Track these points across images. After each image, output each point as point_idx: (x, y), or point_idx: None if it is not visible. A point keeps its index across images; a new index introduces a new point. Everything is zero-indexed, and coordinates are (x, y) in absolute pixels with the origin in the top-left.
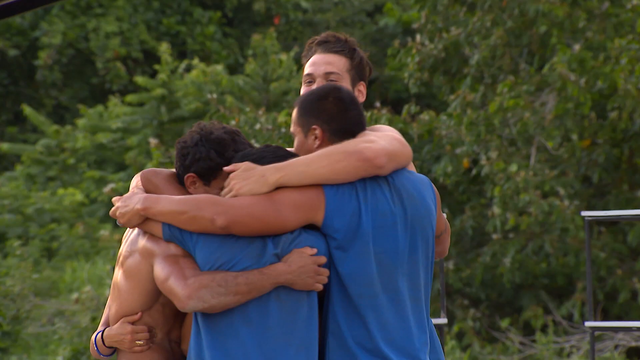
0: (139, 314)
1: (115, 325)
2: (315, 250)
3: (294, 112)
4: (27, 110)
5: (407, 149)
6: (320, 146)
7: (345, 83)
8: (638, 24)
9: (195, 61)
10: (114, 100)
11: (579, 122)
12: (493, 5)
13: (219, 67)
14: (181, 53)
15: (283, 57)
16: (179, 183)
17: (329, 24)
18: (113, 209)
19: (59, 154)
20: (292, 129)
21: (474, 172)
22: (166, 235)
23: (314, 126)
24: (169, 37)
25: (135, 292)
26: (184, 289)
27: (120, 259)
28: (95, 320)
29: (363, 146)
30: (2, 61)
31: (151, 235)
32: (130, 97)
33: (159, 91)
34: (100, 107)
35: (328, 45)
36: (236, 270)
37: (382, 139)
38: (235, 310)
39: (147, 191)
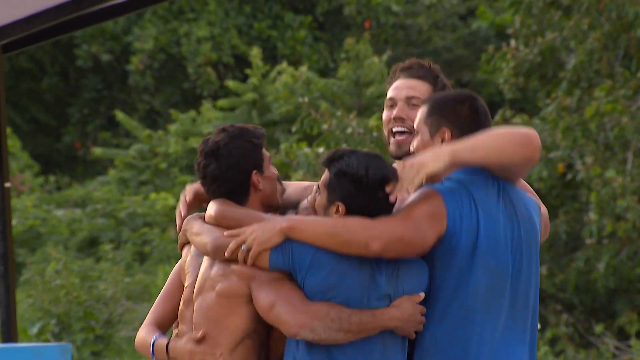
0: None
1: (182, 340)
2: (423, 296)
3: (423, 109)
4: (120, 115)
5: None
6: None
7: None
8: None
9: (285, 65)
10: (206, 105)
11: None
12: (590, 8)
13: (304, 69)
14: (272, 57)
15: (375, 60)
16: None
17: (421, 28)
18: (231, 245)
19: (152, 159)
20: (416, 125)
21: (568, 176)
22: (274, 263)
23: (444, 128)
24: (260, 42)
25: (234, 317)
26: (296, 316)
27: (208, 281)
28: None
29: (520, 128)
30: (96, 66)
31: None
32: (221, 102)
33: (250, 95)
34: (192, 112)
35: (411, 71)
36: (344, 298)
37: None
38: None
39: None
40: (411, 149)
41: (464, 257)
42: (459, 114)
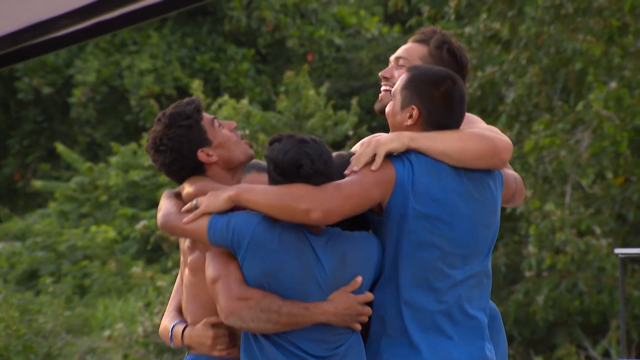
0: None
1: (197, 326)
2: (360, 280)
3: (403, 77)
4: (61, 147)
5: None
6: (410, 127)
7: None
8: None
9: (226, 97)
10: (147, 138)
11: (614, 160)
12: (529, 43)
13: (245, 102)
14: (215, 90)
15: (313, 92)
16: None
17: (362, 61)
18: (184, 209)
19: (92, 191)
20: (394, 89)
21: (508, 210)
22: (212, 239)
23: (413, 106)
24: (203, 74)
25: (206, 290)
26: (229, 302)
27: (183, 254)
28: (127, 357)
29: (495, 136)
30: (37, 99)
31: None
32: None
33: None
34: (133, 145)
35: (415, 36)
36: (280, 289)
37: (496, 132)
38: None
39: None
40: (386, 109)
41: (414, 222)
42: (431, 96)
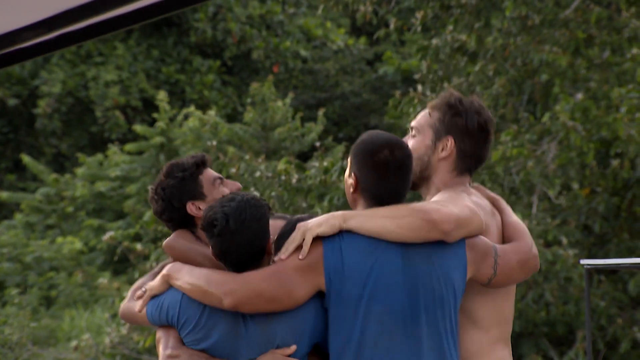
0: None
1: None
2: (293, 349)
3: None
4: (26, 159)
5: (478, 217)
6: (352, 196)
7: (424, 137)
8: (638, 73)
9: (192, 109)
10: (113, 149)
11: (581, 171)
12: (495, 54)
13: (212, 113)
14: (180, 101)
15: (279, 103)
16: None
17: (328, 72)
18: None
19: (58, 203)
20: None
21: None
22: (152, 322)
23: (353, 173)
24: (168, 86)
25: None
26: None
27: None
28: None
29: (431, 207)
30: (2, 110)
31: None
32: (129, 146)
33: (158, 139)
34: (99, 156)
35: (430, 102)
36: (213, 350)
37: (453, 204)
38: None
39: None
40: None
41: (349, 306)
42: (366, 165)
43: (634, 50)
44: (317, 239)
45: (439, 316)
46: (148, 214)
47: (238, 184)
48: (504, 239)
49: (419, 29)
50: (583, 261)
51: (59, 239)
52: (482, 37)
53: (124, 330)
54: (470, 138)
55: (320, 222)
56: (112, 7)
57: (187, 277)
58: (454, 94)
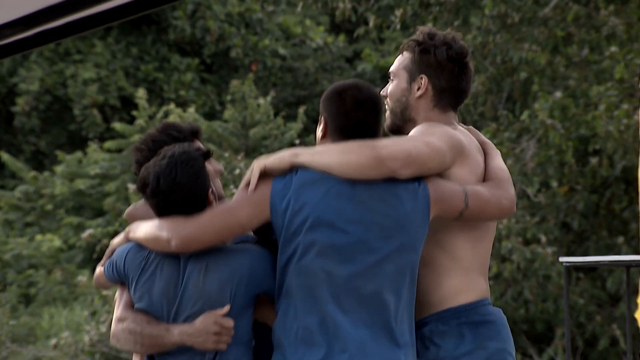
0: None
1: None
2: (226, 310)
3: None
4: (5, 156)
5: (437, 154)
6: (323, 139)
7: (400, 80)
8: (616, 71)
9: (172, 106)
10: (92, 147)
11: (559, 169)
12: (475, 52)
13: (192, 110)
14: (159, 99)
15: (261, 101)
16: None
17: (308, 70)
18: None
19: (37, 200)
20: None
21: None
22: (109, 278)
23: (322, 117)
24: (147, 84)
25: None
26: (113, 324)
27: None
28: None
29: (380, 144)
30: None
31: None
32: (108, 144)
33: (137, 137)
34: (78, 154)
35: (402, 45)
36: (151, 310)
37: (410, 141)
38: None
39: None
40: None
41: (294, 235)
42: (330, 106)
43: (613, 48)
44: (269, 175)
45: (387, 253)
46: None
47: (220, 167)
48: (485, 180)
49: (398, 26)
50: (562, 259)
51: (38, 237)
52: (461, 35)
53: (103, 328)
54: (443, 72)
55: (270, 158)
56: (91, 5)
57: (143, 227)
58: (424, 30)
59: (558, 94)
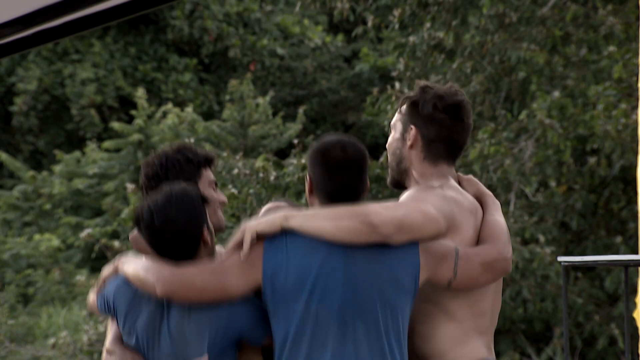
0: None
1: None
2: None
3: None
4: (3, 156)
5: (431, 223)
6: (309, 197)
7: (395, 132)
8: (614, 70)
9: (170, 106)
10: (91, 146)
11: (558, 169)
12: (473, 52)
13: (190, 110)
14: (157, 99)
15: (260, 101)
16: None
17: (306, 70)
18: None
19: (36, 200)
20: None
21: None
22: (100, 312)
23: (308, 175)
24: (145, 84)
25: None
26: (103, 355)
27: None
28: None
29: (372, 210)
30: None
31: None
32: (107, 143)
33: (136, 136)
34: (77, 153)
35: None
36: (137, 346)
37: (402, 207)
38: None
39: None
40: None
41: (289, 304)
42: (314, 164)
43: (611, 48)
44: (260, 238)
45: (382, 317)
46: (126, 211)
47: (224, 199)
48: (479, 237)
49: (397, 26)
50: (560, 258)
51: (37, 236)
52: (459, 35)
53: (101, 327)
54: (432, 123)
55: (262, 221)
56: (89, 4)
57: (132, 264)
58: (420, 84)
59: (556, 94)
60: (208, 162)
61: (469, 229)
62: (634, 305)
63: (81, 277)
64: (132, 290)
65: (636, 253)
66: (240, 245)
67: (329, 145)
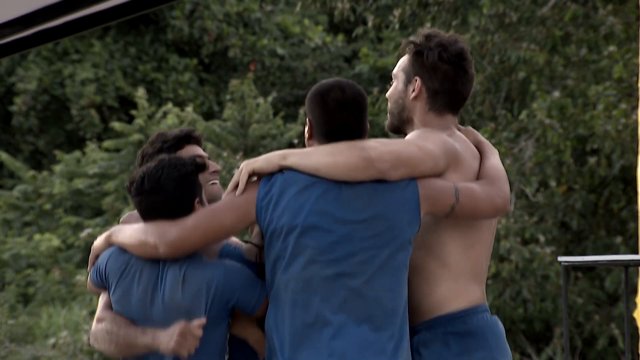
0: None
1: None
2: (203, 322)
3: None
4: (3, 155)
5: (428, 157)
6: (310, 140)
7: (398, 82)
8: (614, 70)
9: (170, 106)
10: (91, 146)
11: (558, 169)
12: (473, 52)
13: (190, 109)
14: (157, 99)
15: (261, 101)
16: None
17: (306, 70)
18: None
19: (36, 200)
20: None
21: None
22: (93, 278)
23: (307, 119)
24: (145, 84)
25: None
26: (93, 325)
27: None
28: None
29: (369, 145)
30: None
31: None
32: (107, 143)
33: (136, 136)
34: (77, 153)
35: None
36: (128, 313)
37: (401, 143)
38: None
39: None
40: None
41: (280, 238)
42: (313, 107)
43: (611, 48)
44: (257, 178)
45: (376, 253)
46: (126, 211)
47: (217, 166)
48: (478, 179)
49: (397, 26)
50: (560, 258)
51: (37, 236)
52: (463, 38)
53: None
54: (436, 74)
55: (259, 159)
56: (89, 4)
57: (127, 231)
58: (423, 32)
59: (556, 94)
60: (182, 140)
61: (471, 172)
62: (634, 305)
63: (81, 277)
64: (125, 259)
65: (636, 253)
66: (237, 184)
67: (327, 86)
